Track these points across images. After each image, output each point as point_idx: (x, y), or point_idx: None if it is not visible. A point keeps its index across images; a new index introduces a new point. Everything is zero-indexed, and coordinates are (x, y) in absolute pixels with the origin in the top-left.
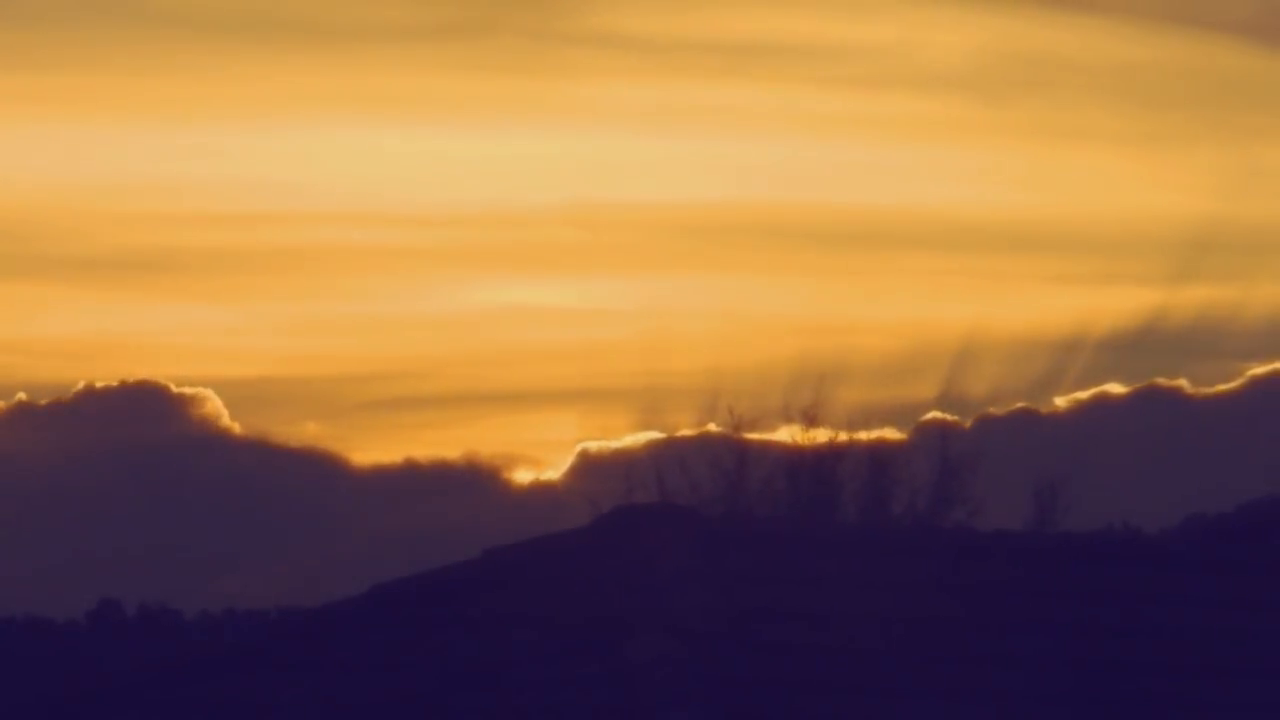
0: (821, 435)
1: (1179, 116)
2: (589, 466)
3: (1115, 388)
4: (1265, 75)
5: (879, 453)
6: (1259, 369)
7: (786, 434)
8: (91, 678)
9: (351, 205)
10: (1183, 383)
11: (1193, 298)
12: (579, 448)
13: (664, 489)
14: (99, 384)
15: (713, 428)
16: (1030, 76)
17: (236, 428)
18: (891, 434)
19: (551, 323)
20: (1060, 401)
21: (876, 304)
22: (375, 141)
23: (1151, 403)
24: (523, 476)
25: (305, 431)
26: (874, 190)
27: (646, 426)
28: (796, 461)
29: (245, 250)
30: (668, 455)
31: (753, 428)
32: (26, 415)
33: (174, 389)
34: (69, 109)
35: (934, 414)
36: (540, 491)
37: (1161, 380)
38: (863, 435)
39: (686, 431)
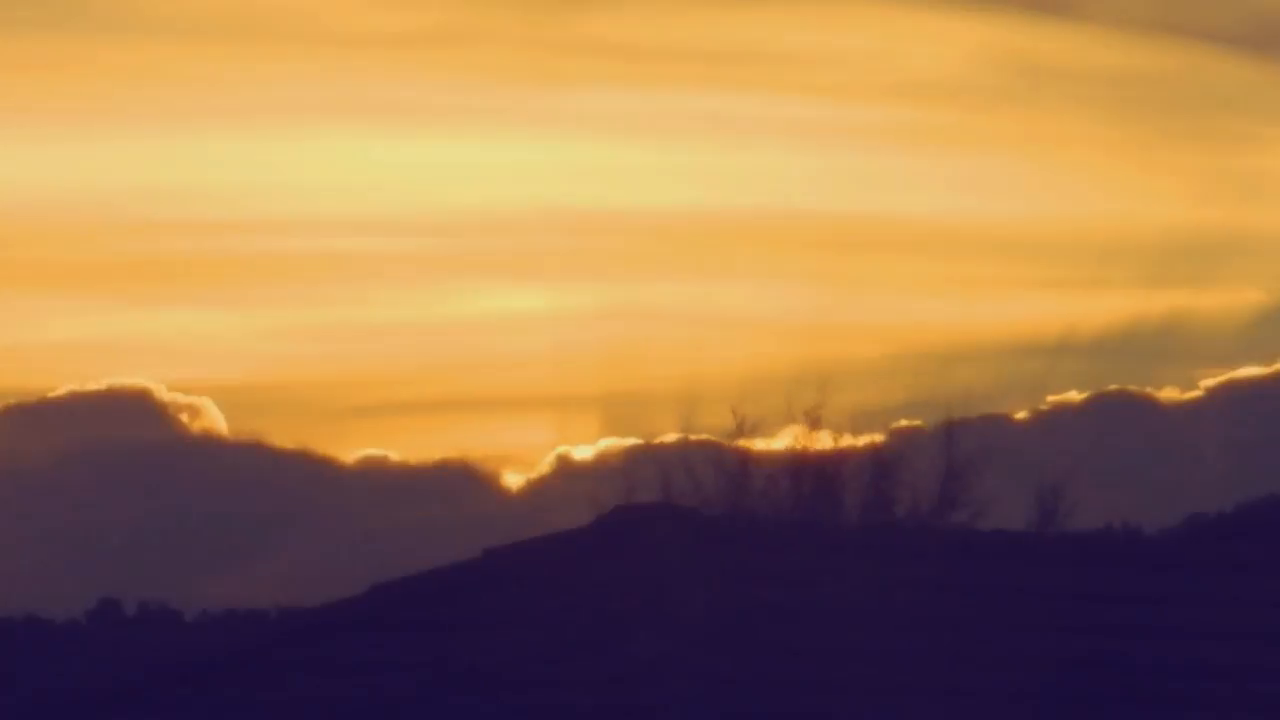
0: (824, 438)
1: (1163, 124)
2: (584, 469)
3: (1104, 389)
4: (1249, 84)
5: (881, 454)
6: (1255, 372)
7: (787, 437)
8: (91, 678)
9: (339, 212)
10: (1172, 387)
11: (1178, 302)
12: (573, 451)
13: (665, 488)
14: (91, 387)
15: (692, 436)
16: (1014, 84)
17: (232, 431)
18: (890, 435)
19: (539, 328)
20: (1050, 403)
21: (861, 309)
22: (362, 148)
23: (1144, 404)
24: (517, 479)
25: (298, 434)
26: (857, 197)
27: (630, 431)
28: (799, 462)
29: (232, 256)
30: (653, 459)
31: (754, 431)
32: (18, 417)
33: (166, 393)
34: (59, 115)
35: (929, 417)
36: (535, 493)
37: (1153, 383)
38: (862, 439)
39: (668, 437)
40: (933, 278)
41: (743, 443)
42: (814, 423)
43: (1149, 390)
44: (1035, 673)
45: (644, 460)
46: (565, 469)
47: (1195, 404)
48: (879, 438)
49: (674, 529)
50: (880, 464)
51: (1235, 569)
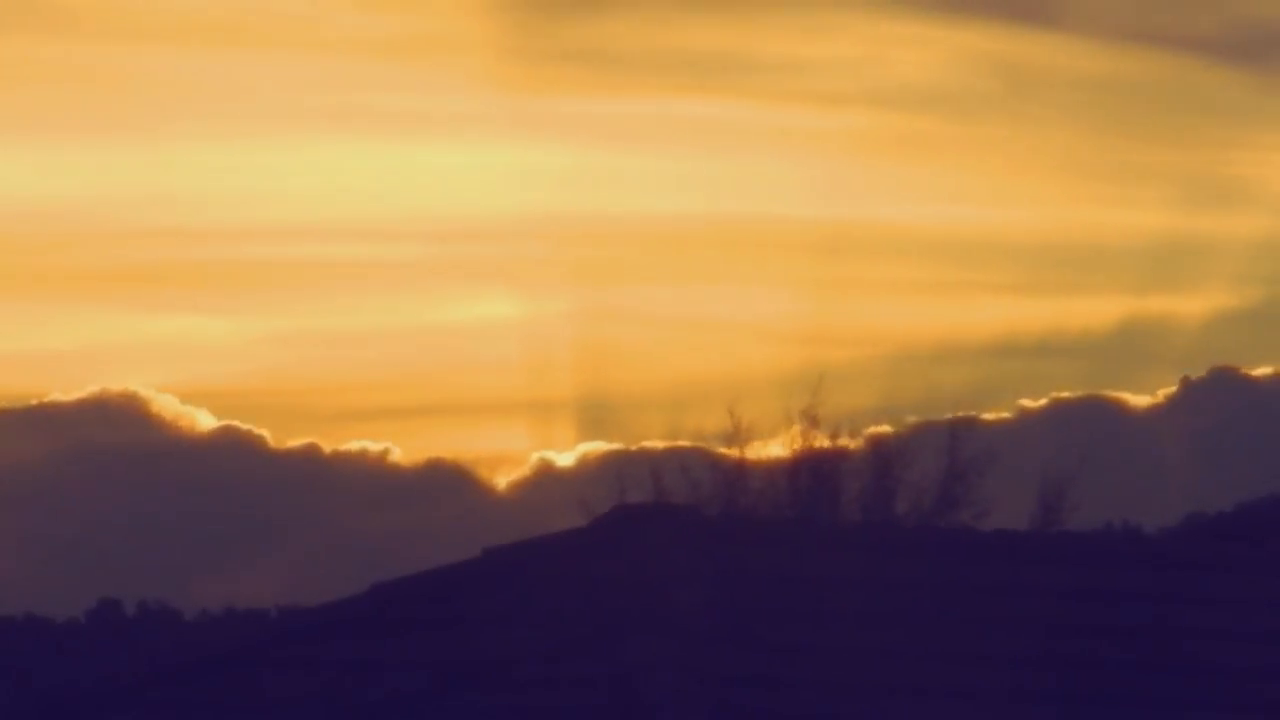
0: (821, 438)
1: (1145, 131)
2: (578, 472)
3: (1093, 390)
4: (1231, 91)
5: (877, 453)
6: (1250, 373)
7: (784, 438)
8: (91, 678)
9: (328, 218)
10: (1161, 388)
11: (1162, 305)
12: (566, 454)
13: (663, 488)
14: (88, 392)
15: (684, 438)
16: (997, 91)
17: (228, 433)
18: (882, 436)
19: (528, 333)
20: (1038, 405)
21: (846, 314)
22: (349, 155)
23: (1134, 404)
24: (513, 480)
25: (292, 436)
26: (840, 202)
27: (622, 434)
28: (797, 462)
29: (224, 263)
30: (651, 460)
31: (751, 432)
32: (16, 420)
33: (163, 396)
34: (51, 122)
35: (918, 419)
36: (533, 494)
37: (1141, 384)
38: (857, 439)
39: (659, 440)
40: (918, 282)
41: (740, 444)
42: (811, 422)
43: (1138, 391)
44: (1035, 673)
45: (641, 461)
46: (560, 471)
47: (1186, 405)
48: (873, 437)
49: (674, 528)
50: (878, 463)
51: (1235, 569)
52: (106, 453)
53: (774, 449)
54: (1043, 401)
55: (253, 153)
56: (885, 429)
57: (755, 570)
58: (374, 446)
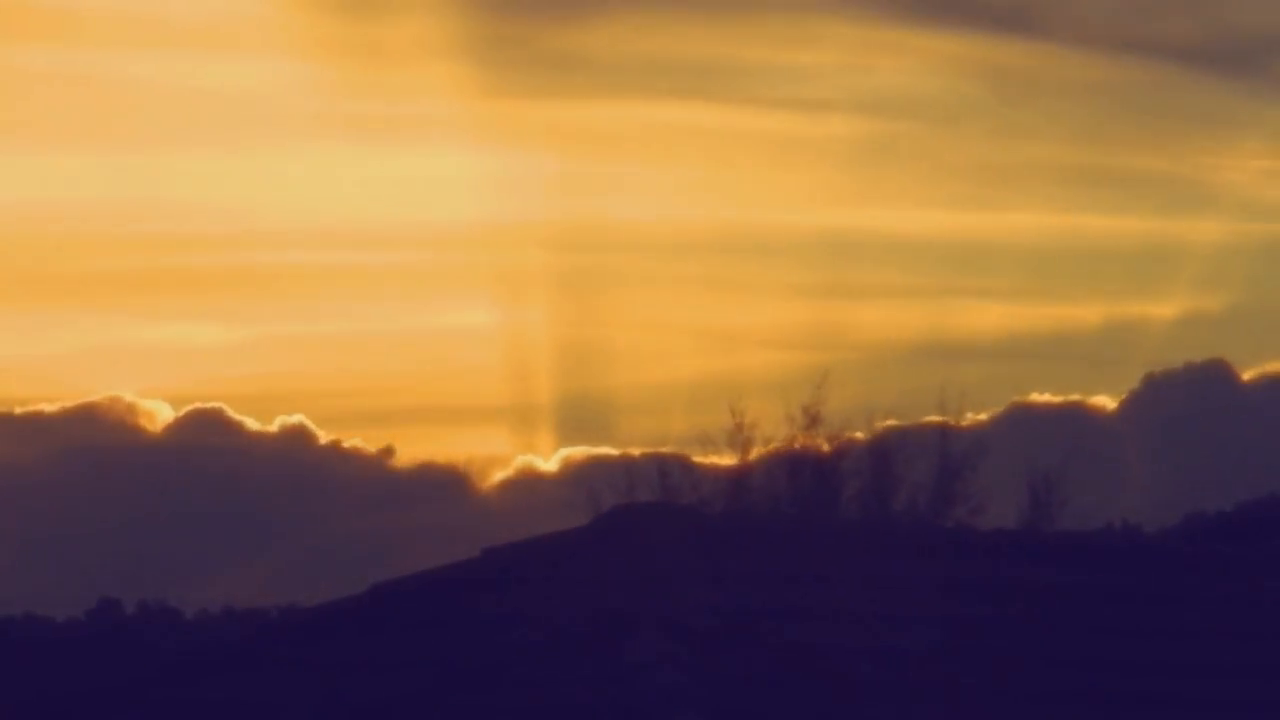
0: (818, 438)
1: (1129, 137)
2: (575, 473)
3: (1088, 390)
4: (1212, 98)
5: (879, 451)
6: (1246, 375)
7: (783, 438)
8: (91, 677)
9: (316, 226)
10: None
11: (1150, 307)
12: (563, 455)
13: (665, 487)
14: (90, 397)
15: (680, 439)
16: (983, 97)
17: (227, 435)
18: (876, 436)
19: (514, 338)
20: (1032, 405)
21: (835, 316)
22: (343, 162)
23: (1127, 404)
24: (511, 481)
25: (290, 438)
26: (826, 209)
27: (601, 440)
28: (797, 460)
29: (211, 270)
30: (652, 460)
31: (751, 431)
32: (18, 424)
33: (163, 400)
34: (33, 130)
35: (909, 421)
36: (532, 494)
37: (1129, 384)
38: (848, 440)
39: (636, 447)
40: (906, 285)
41: (740, 446)
42: (811, 421)
43: (1131, 390)
44: (1034, 672)
45: (630, 465)
46: (546, 474)
47: (1155, 403)
48: (869, 437)
49: (673, 528)
50: (875, 462)
51: (1234, 568)
52: (105, 455)
53: (777, 448)
54: (1034, 401)
55: (241, 160)
56: (880, 429)
57: (755, 568)
58: (368, 448)
